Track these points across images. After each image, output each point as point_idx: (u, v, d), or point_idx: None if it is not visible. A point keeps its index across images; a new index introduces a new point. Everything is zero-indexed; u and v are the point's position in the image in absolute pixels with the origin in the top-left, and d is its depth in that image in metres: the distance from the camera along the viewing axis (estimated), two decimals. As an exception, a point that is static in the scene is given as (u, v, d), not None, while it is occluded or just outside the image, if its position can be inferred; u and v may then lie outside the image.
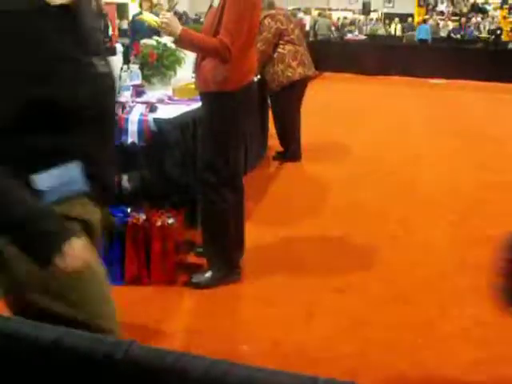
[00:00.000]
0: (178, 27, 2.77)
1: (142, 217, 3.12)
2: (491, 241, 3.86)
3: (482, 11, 21.58)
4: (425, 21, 18.97)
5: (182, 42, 2.81)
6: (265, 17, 5.53)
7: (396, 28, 21.42)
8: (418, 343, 2.68)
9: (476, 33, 19.55)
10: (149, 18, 3.11)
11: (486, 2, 22.35)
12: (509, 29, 19.95)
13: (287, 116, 5.85)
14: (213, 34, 2.78)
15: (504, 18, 21.50)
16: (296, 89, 5.74)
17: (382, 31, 21.06)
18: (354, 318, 2.87)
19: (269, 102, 6.03)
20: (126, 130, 3.34)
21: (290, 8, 17.07)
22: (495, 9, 21.83)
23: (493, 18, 20.91)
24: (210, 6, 2.92)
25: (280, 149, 6.03)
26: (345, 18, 21.87)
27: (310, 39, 15.73)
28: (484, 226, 4.25)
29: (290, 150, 5.93)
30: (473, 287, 3.25)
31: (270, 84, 5.68)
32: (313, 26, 18.07)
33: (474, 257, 3.66)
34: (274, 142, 6.17)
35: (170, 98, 3.97)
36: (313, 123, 7.05)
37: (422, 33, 17.53)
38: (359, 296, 3.12)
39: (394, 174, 5.62)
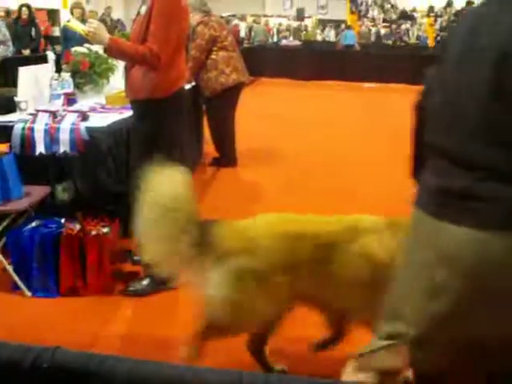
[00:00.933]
0: (106, 36, 2.76)
1: (77, 227, 3.10)
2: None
3: (410, 18, 22.40)
4: (348, 27, 19.60)
5: (110, 50, 2.81)
6: (198, 24, 5.57)
7: (330, 34, 21.94)
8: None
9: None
10: (76, 25, 3.09)
11: (414, 10, 23.20)
12: (435, 35, 20.81)
13: (222, 122, 5.90)
14: (141, 41, 2.79)
15: (430, 25, 22.40)
16: (230, 95, 5.80)
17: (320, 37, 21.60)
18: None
19: (204, 108, 6.06)
20: (58, 140, 3.30)
21: (225, 14, 17.17)
22: (422, 16, 22.72)
23: (420, 25, 21.75)
24: (138, 14, 2.93)
25: (216, 155, 6.07)
26: (280, 24, 22.16)
27: (245, 45, 15.87)
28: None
29: (226, 156, 5.98)
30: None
31: (204, 90, 5.72)
32: (248, 32, 18.24)
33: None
34: (209, 149, 6.21)
35: (102, 107, 3.95)
36: (248, 129, 7.13)
37: (348, 38, 18.23)
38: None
39: (329, 177, 5.76)
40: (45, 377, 0.84)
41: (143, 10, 2.87)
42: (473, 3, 22.75)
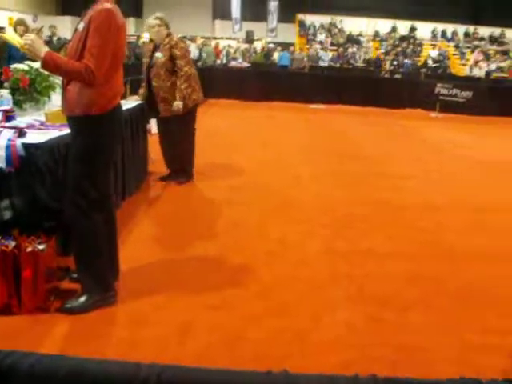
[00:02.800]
0: (42, 50, 2.76)
1: (12, 244, 3.05)
2: (360, 253, 4.21)
3: (357, 42, 23.02)
4: (283, 49, 20.37)
5: (46, 64, 2.80)
6: (180, 40, 5.70)
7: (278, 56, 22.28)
8: (289, 354, 2.81)
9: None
10: (11, 37, 3.06)
11: (360, 34, 23.86)
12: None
13: (189, 138, 6.01)
14: (77, 58, 2.80)
15: (376, 49, 23.08)
16: (195, 111, 5.93)
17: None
18: (228, 334, 2.96)
19: (149, 126, 6.08)
20: (-7, 156, 3.25)
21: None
22: (368, 40, 23.38)
23: (367, 49, 22.38)
24: (75, 30, 2.94)
25: (163, 172, 6.10)
26: (229, 46, 22.38)
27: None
28: (355, 239, 4.56)
29: (187, 171, 6.07)
30: (344, 296, 3.48)
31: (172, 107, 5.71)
32: (199, 54, 18.35)
33: (345, 268, 3.92)
34: (154, 167, 6.23)
35: (41, 124, 3.91)
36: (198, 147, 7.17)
37: (283, 60, 18.97)
38: (233, 312, 3.21)
39: (276, 193, 5.87)
40: None
41: (81, 26, 2.88)
42: (415, 29, 23.68)
